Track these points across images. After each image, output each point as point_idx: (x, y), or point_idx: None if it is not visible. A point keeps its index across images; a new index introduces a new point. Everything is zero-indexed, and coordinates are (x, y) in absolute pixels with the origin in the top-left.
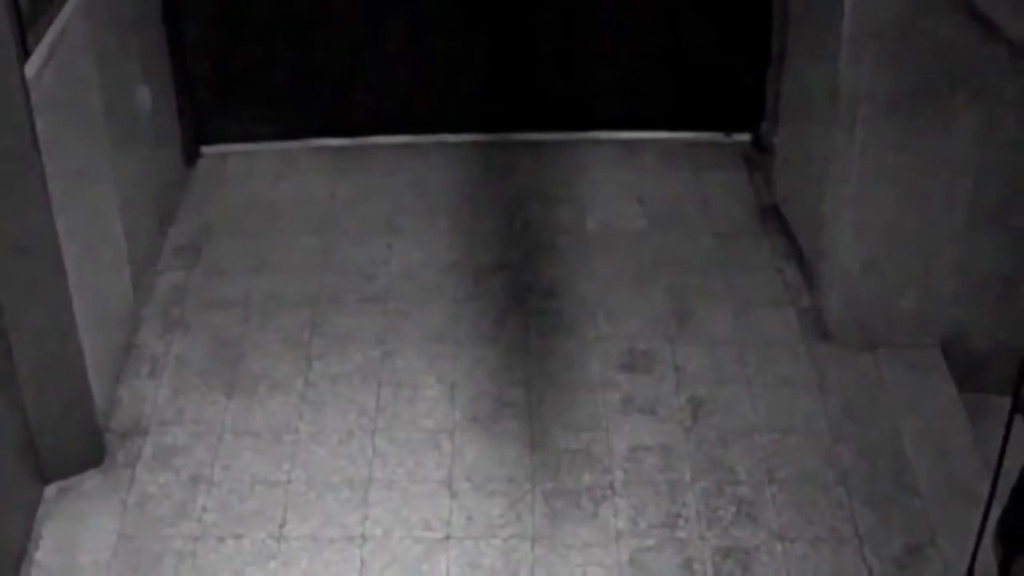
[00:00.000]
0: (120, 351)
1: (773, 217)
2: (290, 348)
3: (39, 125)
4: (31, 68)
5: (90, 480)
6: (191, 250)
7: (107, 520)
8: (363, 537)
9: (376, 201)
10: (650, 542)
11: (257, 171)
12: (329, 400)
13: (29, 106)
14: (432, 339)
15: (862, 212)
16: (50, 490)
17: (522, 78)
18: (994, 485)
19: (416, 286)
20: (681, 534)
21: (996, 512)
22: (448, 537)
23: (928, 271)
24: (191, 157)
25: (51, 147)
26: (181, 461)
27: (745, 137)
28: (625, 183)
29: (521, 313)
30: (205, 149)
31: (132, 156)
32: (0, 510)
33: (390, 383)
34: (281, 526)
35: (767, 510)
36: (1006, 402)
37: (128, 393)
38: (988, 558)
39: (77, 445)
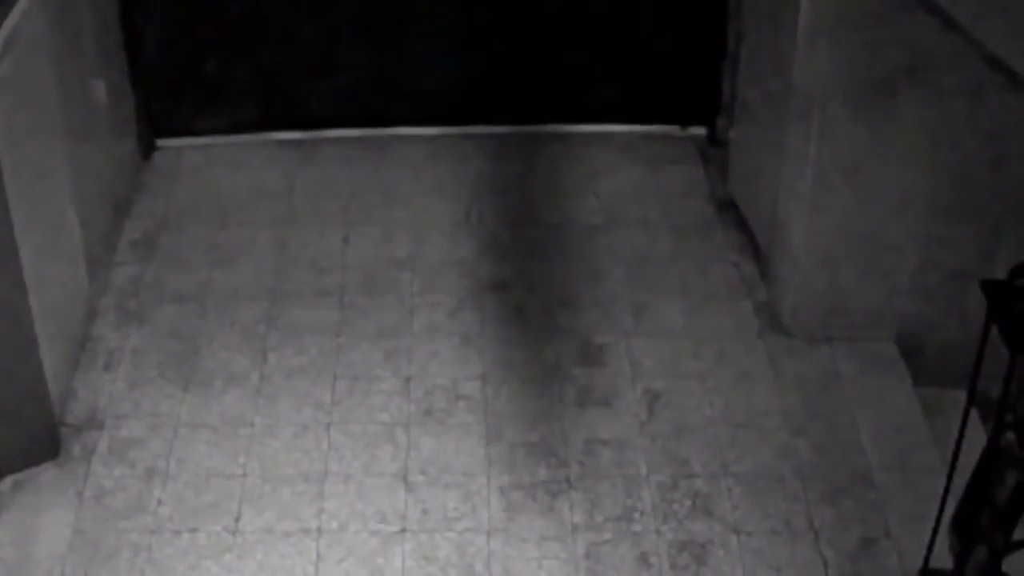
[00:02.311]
0: (76, 344)
1: (729, 211)
2: (246, 341)
3: None
4: None
5: (45, 473)
6: (147, 243)
7: (63, 513)
8: (318, 530)
9: (331, 195)
10: (606, 535)
11: (213, 164)
12: (284, 393)
13: None
14: (387, 333)
15: (818, 206)
16: (5, 483)
17: (477, 73)
18: (949, 479)
19: (371, 280)
20: (637, 527)
21: (952, 505)
22: (403, 530)
23: (884, 265)
24: (147, 150)
25: (6, 141)
26: (137, 454)
27: (701, 131)
28: (581, 176)
29: (476, 307)
30: (161, 142)
31: (87, 149)
32: None
33: (345, 376)
34: (236, 519)
35: (722, 503)
36: (961, 396)
37: (84, 386)
38: (943, 551)
39: (32, 438)
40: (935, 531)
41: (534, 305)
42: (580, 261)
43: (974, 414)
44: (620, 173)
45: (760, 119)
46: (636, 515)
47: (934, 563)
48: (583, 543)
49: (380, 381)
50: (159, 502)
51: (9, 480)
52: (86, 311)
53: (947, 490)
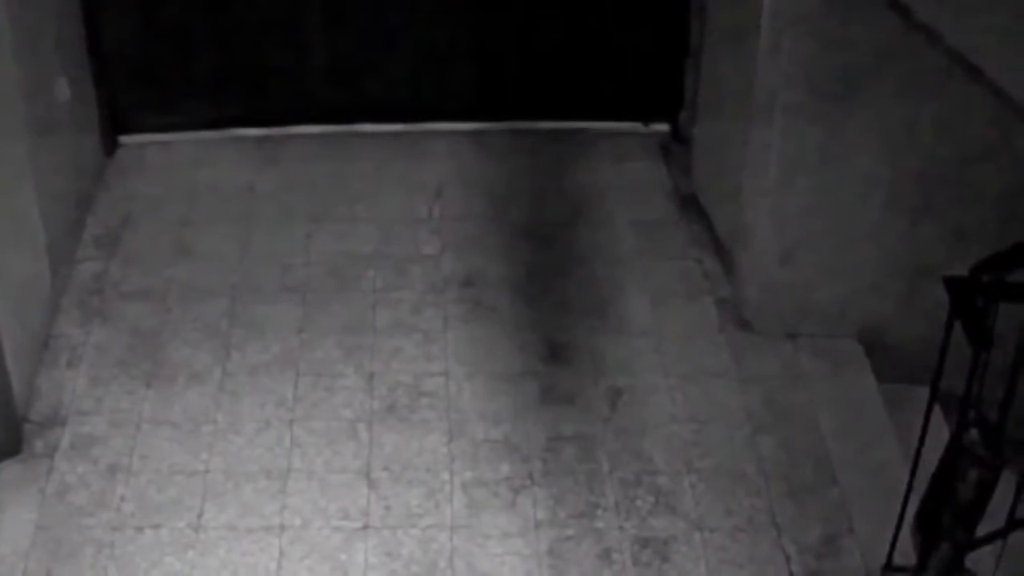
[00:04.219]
0: (38, 341)
1: (692, 207)
2: (209, 338)
3: None
4: None
5: (8, 470)
6: (110, 240)
7: (25, 510)
8: (281, 527)
9: (294, 191)
10: (569, 532)
11: (175, 161)
12: (247, 390)
13: None
14: (350, 329)
15: (780, 202)
16: None
17: (440, 68)
18: (912, 475)
19: (334, 276)
20: (600, 524)
21: (915, 502)
22: (366, 527)
23: (846, 261)
24: (110, 147)
25: None
26: (99, 451)
27: (664, 127)
28: (544, 173)
29: (439, 303)
30: (123, 139)
31: (50, 146)
32: None
33: (308, 373)
34: (199, 516)
35: (685, 500)
36: (924, 392)
37: (46, 383)
38: (907, 547)
39: None
40: (898, 527)
41: (497, 302)
42: (543, 257)
43: (937, 410)
44: (583, 169)
45: (723, 115)
46: (599, 511)
47: (897, 560)
48: (546, 539)
49: (343, 378)
50: (122, 498)
51: None
52: (49, 308)
53: (910, 487)
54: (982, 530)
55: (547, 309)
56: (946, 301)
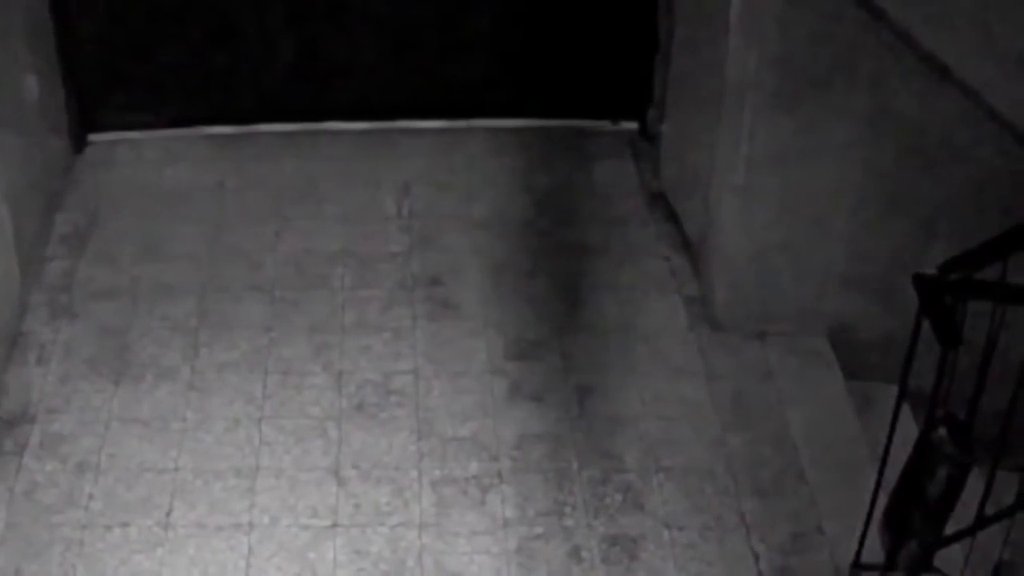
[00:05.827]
0: (7, 339)
1: (660, 205)
2: (177, 336)
3: None
4: None
5: None
6: (78, 238)
7: None
8: (250, 525)
9: (263, 189)
10: (537, 530)
11: (144, 159)
12: (216, 388)
13: None
14: (319, 327)
15: (749, 200)
16: None
17: (409, 65)
18: (881, 473)
19: (303, 274)
20: (568, 522)
21: (883, 500)
22: (335, 525)
23: (816, 259)
24: (78, 145)
25: None
26: (68, 449)
27: (632, 125)
28: (513, 171)
29: (408, 301)
30: (92, 137)
31: (19, 144)
32: None
33: (277, 371)
34: (168, 514)
35: (654, 498)
36: (893, 391)
37: (15, 381)
38: (875, 545)
39: None
40: (867, 525)
41: (466, 299)
42: (512, 255)
43: (906, 408)
44: (552, 167)
45: (692, 113)
46: (567, 509)
47: (866, 558)
48: (515, 537)
49: (311, 376)
50: (90, 497)
51: None
52: (17, 305)
53: (878, 485)
54: (951, 528)
55: (516, 307)
56: (916, 299)
